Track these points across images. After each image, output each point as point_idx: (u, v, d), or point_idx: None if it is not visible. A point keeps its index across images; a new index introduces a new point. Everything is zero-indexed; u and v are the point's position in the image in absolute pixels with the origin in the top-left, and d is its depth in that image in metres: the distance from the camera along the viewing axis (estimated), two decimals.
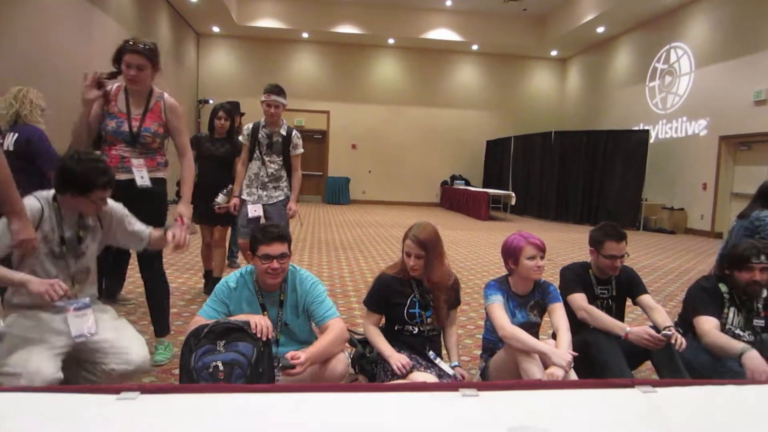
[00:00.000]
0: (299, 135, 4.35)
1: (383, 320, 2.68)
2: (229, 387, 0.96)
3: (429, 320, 2.59)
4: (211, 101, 15.78)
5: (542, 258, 2.59)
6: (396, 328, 2.60)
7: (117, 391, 0.88)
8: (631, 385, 0.92)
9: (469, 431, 0.81)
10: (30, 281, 2.07)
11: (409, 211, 15.39)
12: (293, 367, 2.10)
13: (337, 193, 17.79)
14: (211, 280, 4.77)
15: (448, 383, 0.99)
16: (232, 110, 4.91)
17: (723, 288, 2.81)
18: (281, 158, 4.24)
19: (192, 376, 2.06)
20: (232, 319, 2.27)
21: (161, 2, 13.46)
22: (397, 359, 2.40)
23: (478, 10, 16.28)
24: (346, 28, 16.49)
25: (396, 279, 2.60)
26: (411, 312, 2.57)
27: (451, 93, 18.42)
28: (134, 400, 0.87)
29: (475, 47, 17.64)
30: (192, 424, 0.82)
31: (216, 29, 16.74)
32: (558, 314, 2.59)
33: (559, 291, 2.74)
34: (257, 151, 4.22)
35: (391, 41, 17.52)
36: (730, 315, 2.77)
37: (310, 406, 0.91)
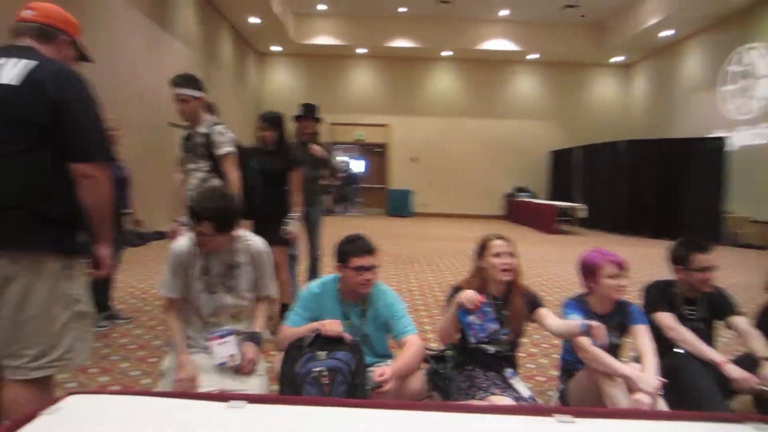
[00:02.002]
0: (223, 131, 3.39)
1: (458, 336, 2.67)
2: (329, 400, 1.01)
3: (505, 338, 2.56)
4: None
5: (624, 277, 2.51)
6: (471, 346, 2.58)
7: (226, 400, 0.94)
8: (741, 420, 0.89)
9: None
10: (180, 367, 2.24)
11: (472, 223, 15.25)
12: (380, 386, 2.17)
13: (399, 205, 17.88)
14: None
15: (543, 407, 0.98)
16: (275, 119, 4.15)
17: None
18: (208, 163, 3.37)
19: (296, 383, 2.18)
20: (304, 328, 2.38)
21: (224, 25, 14.08)
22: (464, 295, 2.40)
23: (535, 18, 16.08)
24: (402, 42, 16.67)
25: None
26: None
27: (509, 103, 18.22)
28: (242, 408, 0.93)
29: (532, 56, 17.39)
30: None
31: (275, 48, 17.33)
32: (642, 337, 2.49)
33: (642, 310, 2.64)
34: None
35: (446, 53, 17.57)
36: None
37: (404, 424, 0.94)
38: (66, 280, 1.74)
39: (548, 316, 2.54)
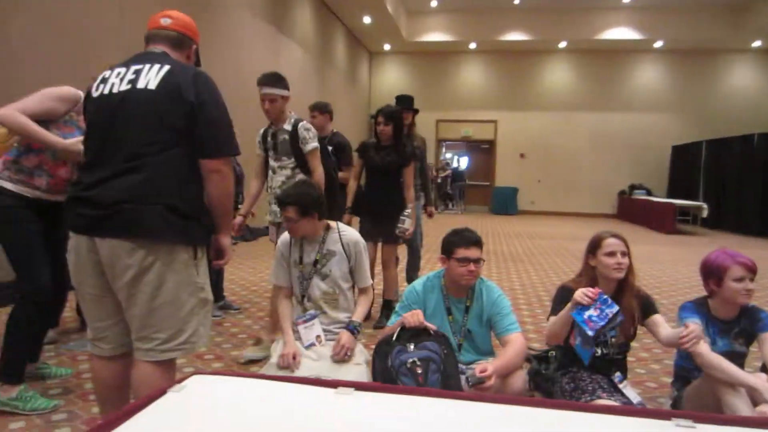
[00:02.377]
0: (308, 126, 3.42)
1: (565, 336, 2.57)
2: (434, 392, 1.02)
3: (614, 341, 2.44)
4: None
5: (752, 280, 2.29)
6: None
7: (334, 386, 0.99)
8: None
9: None
10: (284, 345, 2.49)
11: (581, 222, 14.58)
12: (483, 381, 2.14)
13: (504, 203, 17.49)
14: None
15: (660, 410, 0.92)
16: (395, 111, 4.09)
17: None
18: (293, 160, 3.40)
19: (391, 375, 2.23)
20: (394, 325, 2.41)
21: (338, 25, 14.50)
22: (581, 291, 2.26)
23: (662, 3, 14.88)
24: (515, 36, 16.22)
25: None
26: None
27: (628, 95, 17.11)
28: (350, 395, 0.97)
29: (658, 44, 16.19)
30: (399, 421, 0.89)
31: (387, 47, 17.57)
32: None
33: None
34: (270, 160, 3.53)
35: (562, 45, 16.84)
36: None
37: (509, 419, 0.93)
38: (193, 269, 1.85)
39: (661, 324, 2.39)
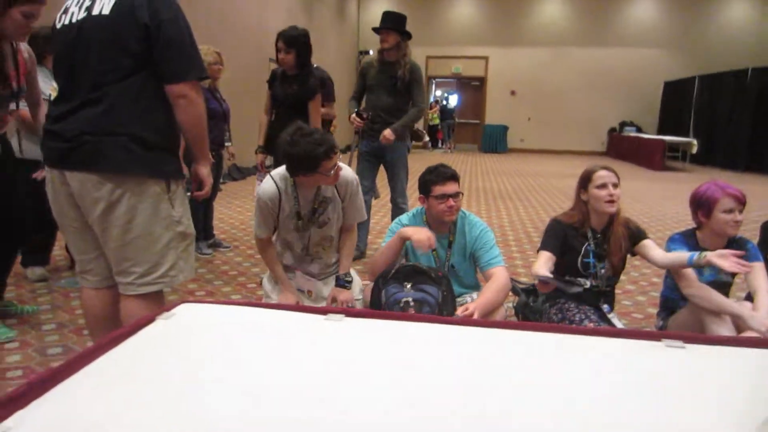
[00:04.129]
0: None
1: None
2: (422, 317, 1.02)
3: (603, 272, 2.46)
4: (371, 52, 16.11)
5: (741, 212, 2.30)
6: (566, 278, 2.50)
7: (324, 313, 0.98)
8: None
9: (672, 384, 0.76)
10: (284, 297, 2.43)
11: (571, 160, 14.58)
12: None
13: (494, 141, 17.39)
14: None
15: (651, 331, 0.93)
16: (299, 36, 3.51)
17: None
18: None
19: (383, 310, 2.22)
20: (393, 239, 2.41)
21: None
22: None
23: None
24: None
25: (571, 227, 2.49)
26: (585, 262, 2.46)
27: (622, 30, 16.73)
28: (340, 321, 0.96)
29: None
30: (389, 345, 0.89)
31: None
32: (758, 274, 2.28)
33: (758, 248, 2.43)
34: None
35: None
36: None
37: (497, 341, 0.93)
38: (166, 202, 1.79)
39: (653, 248, 2.41)
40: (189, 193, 1.98)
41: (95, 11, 1.69)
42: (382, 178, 4.19)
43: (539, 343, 0.92)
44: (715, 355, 0.85)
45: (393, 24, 3.95)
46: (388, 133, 3.83)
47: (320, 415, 0.67)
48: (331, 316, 0.97)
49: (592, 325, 2.35)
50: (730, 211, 2.28)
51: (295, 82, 3.53)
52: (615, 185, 2.38)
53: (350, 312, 0.99)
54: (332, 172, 2.27)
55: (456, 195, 2.40)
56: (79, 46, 1.71)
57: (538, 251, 2.57)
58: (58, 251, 3.85)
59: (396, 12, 4.15)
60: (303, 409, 0.68)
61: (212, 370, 0.78)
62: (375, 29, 4.01)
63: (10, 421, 0.66)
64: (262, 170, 3.75)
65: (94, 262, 1.91)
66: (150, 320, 0.95)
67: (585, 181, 2.46)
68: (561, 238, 2.48)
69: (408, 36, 4.01)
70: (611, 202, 2.37)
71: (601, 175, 2.39)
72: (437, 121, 17.31)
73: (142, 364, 0.79)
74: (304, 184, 2.39)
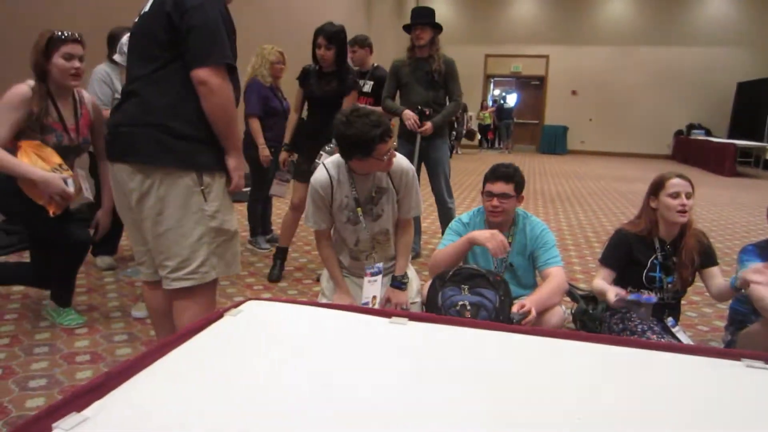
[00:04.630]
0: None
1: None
2: (484, 324, 1.01)
3: (670, 286, 2.37)
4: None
5: None
6: (630, 289, 2.42)
7: (388, 316, 0.99)
8: None
9: (753, 409, 0.72)
10: (338, 298, 2.38)
11: (634, 163, 14.07)
12: (525, 317, 2.11)
13: (553, 142, 16.99)
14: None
15: (730, 350, 0.89)
16: (339, 32, 3.44)
17: None
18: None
19: (440, 313, 2.21)
20: (458, 241, 2.37)
21: None
22: (613, 289, 2.22)
23: None
24: None
25: (637, 237, 2.40)
26: (650, 275, 2.37)
27: (693, 28, 15.97)
28: (403, 325, 0.97)
29: None
30: (449, 350, 0.89)
31: None
32: None
33: None
34: None
35: None
36: None
37: (555, 350, 0.91)
38: (199, 196, 1.75)
39: (716, 276, 2.32)
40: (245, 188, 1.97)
41: (145, 9, 1.77)
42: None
43: (601, 354, 0.89)
44: None
45: (427, 19, 3.86)
46: (429, 126, 3.80)
47: (385, 418, 0.67)
48: (395, 319, 0.98)
49: (654, 337, 2.27)
50: None
51: (334, 79, 3.47)
52: (689, 195, 2.29)
53: (413, 316, 0.99)
54: (386, 157, 2.18)
55: (503, 195, 2.36)
56: (131, 43, 1.81)
57: (599, 261, 2.51)
58: (125, 241, 4.03)
59: (425, 6, 4.05)
60: (367, 410, 0.69)
61: (279, 368, 0.80)
62: (406, 27, 3.88)
63: (88, 411, 0.70)
64: (284, 167, 3.76)
65: (147, 255, 1.94)
66: (219, 316, 0.98)
67: (656, 187, 2.36)
68: (625, 251, 2.40)
69: (440, 29, 3.91)
70: (683, 212, 2.28)
71: (675, 183, 2.30)
72: (489, 121, 17.03)
73: (212, 360, 0.82)
74: (358, 171, 2.30)
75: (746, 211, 7.05)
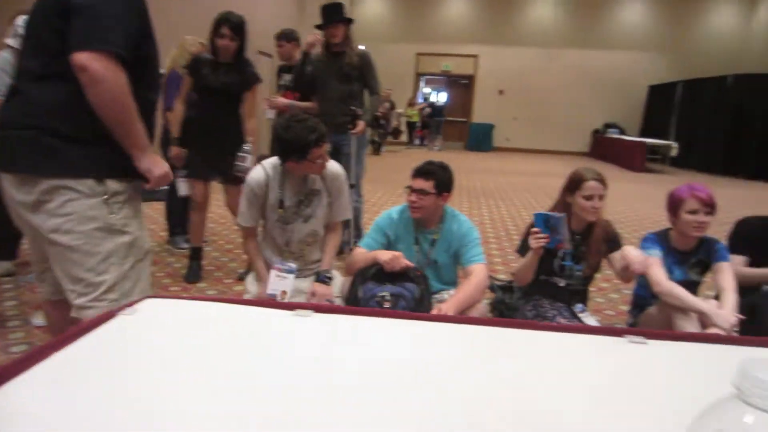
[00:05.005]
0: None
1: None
2: (390, 312, 1.02)
3: (579, 274, 2.49)
4: (361, 47, 16.05)
5: (708, 214, 2.33)
6: (542, 278, 2.53)
7: (292, 308, 0.98)
8: None
9: (633, 379, 0.78)
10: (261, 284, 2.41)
11: (554, 160, 14.69)
12: None
13: (480, 139, 17.44)
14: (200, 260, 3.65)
15: (614, 328, 0.95)
16: (244, 24, 3.32)
17: None
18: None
19: (359, 305, 2.23)
20: (370, 255, 2.39)
21: None
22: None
23: None
24: None
25: None
26: (561, 264, 2.48)
27: (610, 33, 16.89)
28: (308, 317, 0.96)
29: None
30: (356, 341, 0.89)
31: None
32: (725, 274, 2.33)
33: (731, 241, 2.48)
34: None
35: None
36: None
37: (468, 338, 0.94)
38: (103, 207, 1.47)
39: (617, 260, 2.46)
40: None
41: None
42: None
43: (509, 339, 0.93)
44: (675, 351, 0.87)
45: (339, 17, 3.81)
46: (362, 126, 3.80)
47: (281, 413, 0.67)
48: (299, 311, 0.97)
49: (564, 321, 2.38)
50: (694, 212, 2.32)
51: (233, 71, 3.30)
52: (601, 197, 2.41)
53: (320, 308, 0.98)
54: (320, 161, 2.32)
55: (420, 191, 2.37)
56: (27, 28, 1.52)
57: (516, 251, 2.60)
58: (27, 244, 3.78)
59: (333, 2, 3.89)
60: (263, 406, 0.68)
61: (174, 367, 0.77)
62: (318, 26, 3.87)
63: None
64: (178, 164, 3.41)
65: (47, 273, 1.66)
66: (111, 316, 0.93)
67: (573, 185, 2.46)
68: None
69: (351, 22, 3.90)
70: (594, 213, 2.40)
71: (591, 186, 2.40)
72: (416, 119, 16.83)
73: (100, 362, 0.78)
74: (293, 173, 2.39)
75: (653, 203, 7.52)
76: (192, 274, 3.50)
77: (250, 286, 2.55)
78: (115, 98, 1.41)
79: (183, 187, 3.53)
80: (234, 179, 3.30)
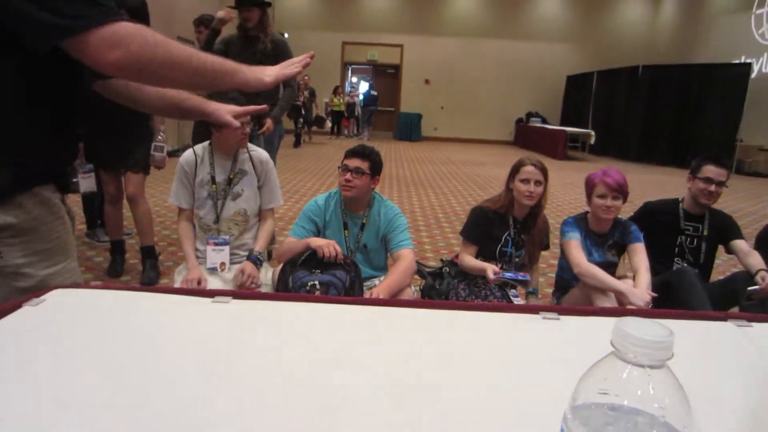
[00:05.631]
0: None
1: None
2: (312, 297, 1.01)
3: (517, 260, 2.58)
4: (286, 35, 15.76)
5: (616, 199, 2.46)
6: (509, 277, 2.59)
7: (211, 295, 0.95)
8: (725, 319, 0.88)
9: (547, 351, 0.81)
10: (188, 271, 2.41)
11: (481, 149, 15.09)
12: None
13: (408, 129, 17.59)
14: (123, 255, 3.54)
15: (529, 305, 1.00)
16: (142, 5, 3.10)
17: None
18: None
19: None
20: (302, 242, 2.37)
21: None
22: (491, 267, 2.43)
23: None
24: None
25: (496, 214, 2.58)
26: (503, 250, 2.56)
27: (531, 24, 17.46)
28: (227, 303, 0.93)
29: None
30: (275, 326, 0.87)
31: None
32: (638, 254, 2.49)
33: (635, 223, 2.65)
34: None
35: None
36: None
37: (389, 319, 0.94)
38: None
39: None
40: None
41: None
42: None
43: (434, 319, 0.94)
44: (586, 325, 0.91)
45: (252, 1, 3.61)
46: (270, 123, 3.59)
47: (189, 401, 0.64)
48: (218, 298, 0.94)
49: (495, 300, 2.46)
50: (603, 196, 2.46)
51: None
52: (538, 182, 2.48)
53: (238, 294, 0.96)
54: (240, 130, 2.37)
55: (357, 170, 2.38)
56: None
57: (462, 237, 2.65)
58: None
59: None
60: (171, 396, 0.65)
61: (78, 359, 0.73)
62: (232, 7, 3.65)
63: None
64: (79, 157, 3.12)
65: None
66: (16, 306, 0.87)
67: (514, 171, 2.55)
68: (484, 226, 2.57)
69: (268, 5, 3.71)
70: (529, 197, 2.48)
71: (527, 171, 2.49)
72: (342, 108, 16.41)
73: (2, 356, 0.73)
74: (220, 150, 2.50)
75: (573, 189, 7.89)
76: (113, 269, 3.35)
77: (178, 275, 2.53)
78: (152, 47, 1.05)
79: (86, 184, 3.31)
80: (135, 167, 3.25)
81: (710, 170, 2.68)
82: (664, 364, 0.36)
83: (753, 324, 0.86)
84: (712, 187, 2.67)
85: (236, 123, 1.54)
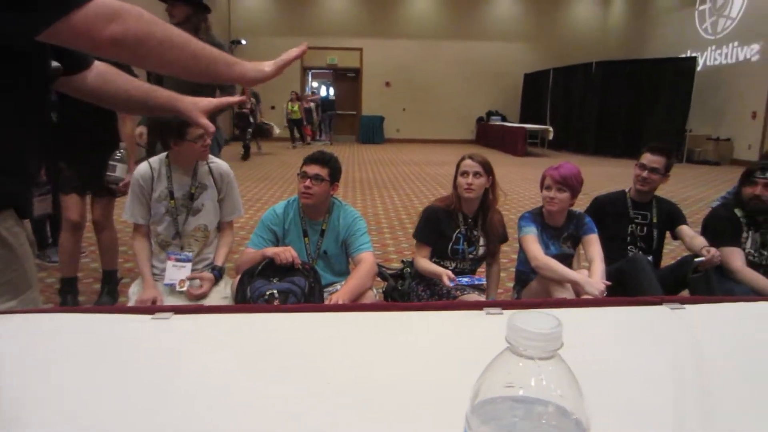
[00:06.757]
0: None
1: None
2: (257, 307, 0.99)
3: (471, 257, 2.60)
4: (243, 42, 15.61)
5: (561, 191, 2.51)
6: (434, 260, 2.60)
7: (152, 312, 0.92)
8: (659, 302, 0.90)
9: (491, 347, 0.82)
10: (143, 290, 2.34)
11: (444, 149, 15.20)
12: None
13: (371, 132, 17.64)
14: (73, 292, 3.06)
15: (474, 302, 1.00)
16: None
17: (738, 213, 2.75)
18: None
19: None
20: (259, 253, 2.35)
21: None
22: (446, 273, 2.43)
23: None
24: None
25: (445, 212, 2.59)
26: (455, 248, 2.57)
27: (487, 25, 17.72)
28: (168, 320, 0.91)
29: None
30: (222, 339, 0.86)
31: None
32: (593, 245, 2.55)
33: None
34: None
35: None
36: (749, 239, 2.71)
37: (347, 324, 0.94)
38: None
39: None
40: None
41: None
42: None
43: (390, 321, 0.94)
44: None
45: None
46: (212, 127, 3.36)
47: (128, 425, 0.62)
48: (158, 315, 0.91)
49: (458, 293, 2.48)
50: (548, 188, 2.53)
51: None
52: (476, 174, 2.50)
53: (179, 309, 0.93)
54: (200, 142, 2.33)
55: (316, 177, 2.36)
56: None
57: (415, 238, 2.65)
58: None
59: None
60: (111, 420, 0.63)
61: (14, 388, 0.70)
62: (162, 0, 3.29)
63: None
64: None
65: None
66: None
67: (456, 168, 2.58)
68: (435, 225, 2.58)
69: (204, 8, 3.30)
70: (468, 189, 2.50)
71: (465, 164, 2.53)
72: (298, 116, 15.09)
73: None
74: (179, 164, 2.42)
75: (533, 185, 8.00)
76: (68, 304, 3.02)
77: (132, 294, 2.45)
78: (147, 31, 0.95)
79: (40, 207, 3.05)
80: (101, 190, 2.97)
81: (645, 157, 2.82)
82: (554, 354, 0.37)
83: (686, 306, 0.89)
84: (645, 173, 2.80)
85: (212, 127, 1.34)
